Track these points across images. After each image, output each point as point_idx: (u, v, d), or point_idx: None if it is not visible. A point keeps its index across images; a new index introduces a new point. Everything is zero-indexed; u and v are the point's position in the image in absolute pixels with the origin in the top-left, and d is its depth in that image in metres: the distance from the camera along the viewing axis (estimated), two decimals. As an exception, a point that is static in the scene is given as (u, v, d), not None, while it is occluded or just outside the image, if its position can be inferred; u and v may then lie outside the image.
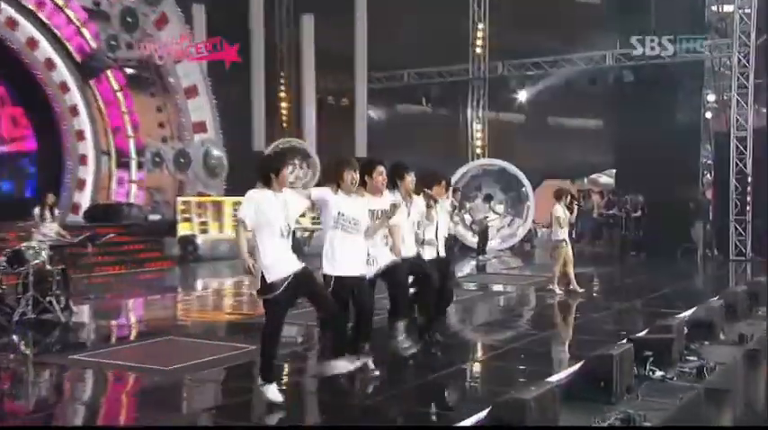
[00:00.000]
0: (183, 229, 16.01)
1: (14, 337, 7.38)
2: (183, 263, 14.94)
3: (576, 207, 10.57)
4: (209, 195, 17.39)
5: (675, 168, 17.01)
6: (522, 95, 19.47)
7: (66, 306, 8.11)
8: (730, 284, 13.34)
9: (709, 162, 17.84)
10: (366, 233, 5.45)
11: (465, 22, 19.82)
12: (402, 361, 5.74)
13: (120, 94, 17.47)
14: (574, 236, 19.78)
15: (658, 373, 5.93)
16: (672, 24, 17.13)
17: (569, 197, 10.49)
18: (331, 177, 5.39)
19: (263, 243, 4.92)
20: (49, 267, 8.09)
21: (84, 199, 16.93)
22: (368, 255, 5.51)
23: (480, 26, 19.60)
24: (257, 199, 4.95)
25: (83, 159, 17.07)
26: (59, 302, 8.00)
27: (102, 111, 17.35)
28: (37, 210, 10.51)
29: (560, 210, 10.19)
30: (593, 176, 22.15)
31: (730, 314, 8.19)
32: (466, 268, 14.67)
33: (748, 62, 16.23)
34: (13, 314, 7.74)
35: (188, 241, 15.84)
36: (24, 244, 8.43)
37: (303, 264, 5.02)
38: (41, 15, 16.04)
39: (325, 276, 5.32)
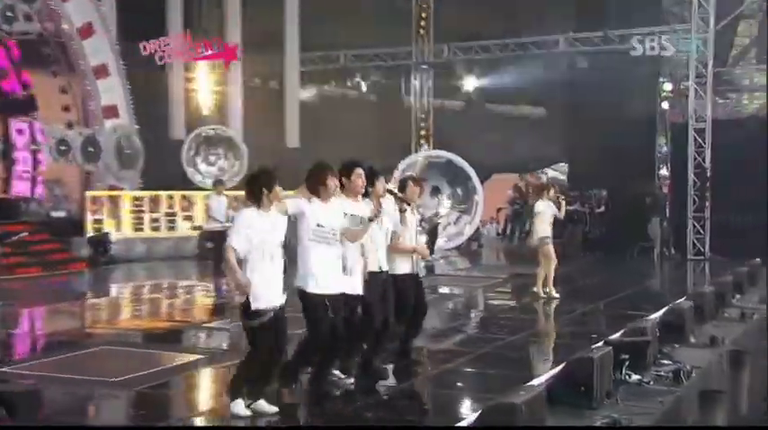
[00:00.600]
0: (93, 228, 15.84)
1: None
2: (94, 265, 14.78)
3: (563, 202, 10.84)
4: (122, 189, 17.22)
5: (631, 161, 17.88)
6: (470, 81, 19.95)
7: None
8: (688, 285, 14.24)
9: (666, 154, 18.79)
10: (346, 236, 5.66)
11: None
12: (376, 370, 6.03)
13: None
14: (526, 233, 20.64)
15: (635, 377, 6.38)
16: (627, 10, 17.96)
17: (554, 191, 10.77)
18: (312, 185, 5.54)
19: (251, 267, 5.08)
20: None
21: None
22: (344, 265, 5.71)
23: (425, 5, 19.95)
24: (249, 221, 5.10)
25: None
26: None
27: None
28: None
29: (542, 206, 10.44)
30: (546, 170, 22.89)
31: (698, 315, 8.79)
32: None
33: (707, 50, 17.16)
34: None
35: (99, 241, 15.66)
36: None
37: (284, 300, 5.22)
38: None
39: (304, 293, 5.48)
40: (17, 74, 16.42)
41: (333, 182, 5.57)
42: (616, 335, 7.06)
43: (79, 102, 17.65)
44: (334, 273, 5.54)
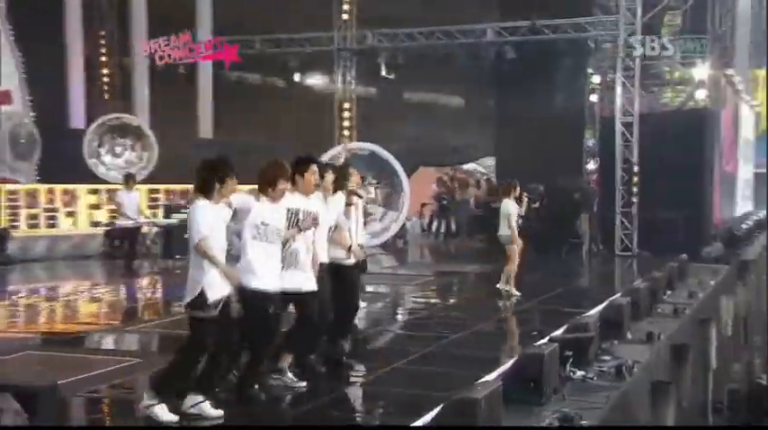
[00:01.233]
0: (-14, 225, 15.52)
1: None
2: (-10, 265, 14.52)
3: (525, 200, 11.43)
4: (16, 182, 16.88)
5: (559, 156, 18.68)
6: (394, 70, 20.34)
7: None
8: (617, 281, 15.09)
9: (594, 148, 19.71)
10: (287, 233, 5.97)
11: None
12: (318, 371, 6.36)
13: None
14: (453, 230, 21.31)
15: (579, 373, 6.93)
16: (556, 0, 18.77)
17: (518, 190, 11.30)
18: (262, 185, 5.80)
19: (203, 260, 5.32)
20: None
21: None
22: (296, 260, 6.05)
23: (346, -11, 20.23)
24: (203, 213, 5.32)
25: None
26: None
27: None
28: None
29: (511, 206, 11.04)
30: (473, 164, 23.58)
31: (634, 312, 9.47)
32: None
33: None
34: None
35: (-4, 239, 15.36)
36: None
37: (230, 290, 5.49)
38: None
39: (243, 288, 5.69)
40: None
41: (283, 185, 5.84)
42: (559, 332, 7.60)
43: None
44: (273, 271, 5.83)
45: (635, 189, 17.77)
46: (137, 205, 14.11)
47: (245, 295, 5.74)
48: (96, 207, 17.04)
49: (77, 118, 19.20)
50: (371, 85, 21.59)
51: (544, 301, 11.10)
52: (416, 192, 19.93)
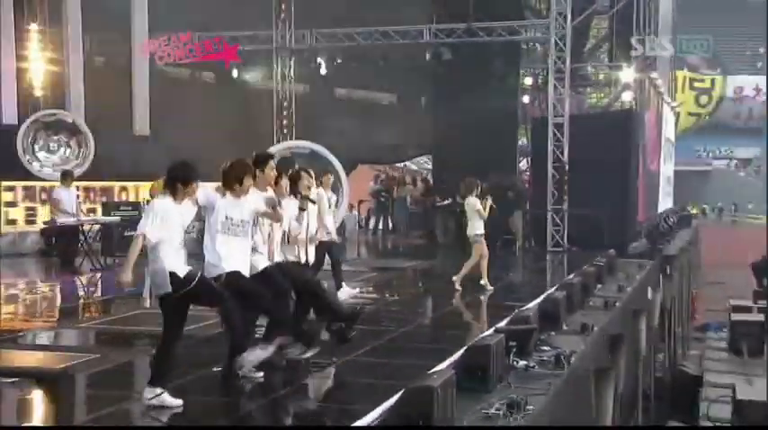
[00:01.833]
0: None
1: None
2: None
3: (489, 199, 11.84)
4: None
5: (493, 154, 19.26)
6: (333, 69, 20.62)
7: None
8: (549, 276, 15.70)
9: (526, 148, 20.38)
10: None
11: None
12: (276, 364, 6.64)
13: None
14: (390, 227, 21.70)
15: (522, 363, 7.37)
16: (490, 3, 19.31)
17: (480, 188, 11.73)
18: (228, 181, 6.13)
19: (164, 254, 5.60)
20: None
21: None
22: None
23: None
24: (161, 211, 5.62)
25: None
26: None
27: None
28: None
29: (478, 203, 11.46)
30: (408, 162, 24.06)
31: (569, 305, 9.99)
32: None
33: (565, 45, 18.77)
34: None
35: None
36: None
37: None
38: None
39: (217, 277, 6.05)
40: None
41: (249, 181, 6.18)
42: (502, 324, 8.03)
43: None
44: (241, 262, 6.22)
45: (565, 187, 18.44)
46: (75, 202, 14.06)
47: (220, 280, 6.04)
48: (12, 204, 16.82)
49: (9, 114, 18.85)
50: (310, 84, 21.80)
51: (484, 295, 11.56)
52: (355, 189, 20.26)
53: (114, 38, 20.73)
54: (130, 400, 5.87)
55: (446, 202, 19.29)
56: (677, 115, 37.22)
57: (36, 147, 18.26)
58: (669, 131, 31.82)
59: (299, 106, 20.90)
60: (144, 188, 17.28)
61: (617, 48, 21.07)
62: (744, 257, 23.38)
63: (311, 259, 7.72)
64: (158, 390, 5.57)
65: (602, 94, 24.47)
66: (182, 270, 5.65)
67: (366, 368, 7.03)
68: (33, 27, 19.49)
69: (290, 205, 7.13)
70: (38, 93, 20.61)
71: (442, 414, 5.30)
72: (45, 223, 15.57)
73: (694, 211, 44.60)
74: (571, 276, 11.95)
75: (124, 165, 18.93)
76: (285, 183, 7.09)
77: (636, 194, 20.22)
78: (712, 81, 71.84)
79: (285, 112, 20.61)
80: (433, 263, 16.12)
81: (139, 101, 20.22)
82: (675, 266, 15.73)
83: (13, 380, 5.52)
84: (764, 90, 70.29)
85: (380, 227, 20.99)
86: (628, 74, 20.15)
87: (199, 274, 5.77)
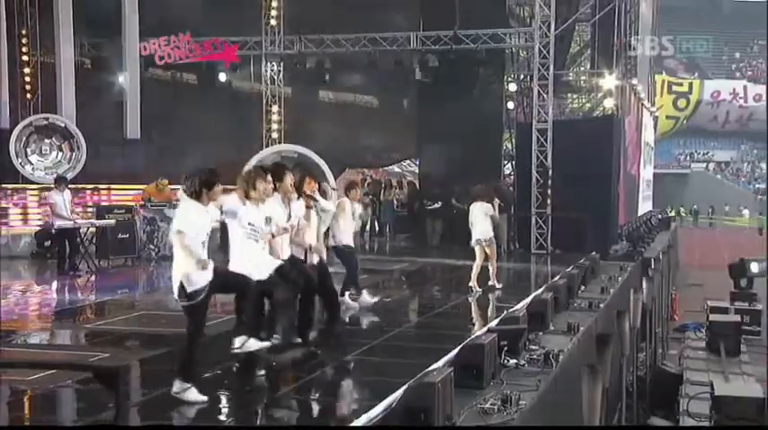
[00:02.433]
0: None
1: None
2: None
3: (496, 204, 12.28)
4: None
5: (479, 159, 19.67)
6: (322, 75, 20.91)
7: None
8: (533, 279, 16.07)
9: (511, 152, 20.77)
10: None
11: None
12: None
13: None
14: (377, 229, 22.02)
15: (512, 361, 7.72)
16: (474, 10, 19.70)
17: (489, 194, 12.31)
18: (244, 187, 6.53)
19: (179, 254, 5.98)
20: None
21: None
22: None
23: (275, -4, 20.68)
24: (189, 212, 6.03)
25: None
26: None
27: None
28: None
29: (491, 209, 12.04)
30: (395, 167, 24.39)
31: (555, 305, 10.37)
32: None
33: (548, 53, 19.19)
34: None
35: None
36: None
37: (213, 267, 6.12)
38: None
39: (237, 275, 6.47)
40: None
41: (262, 185, 6.56)
42: (494, 324, 8.38)
43: None
44: (262, 264, 6.66)
45: (549, 191, 18.85)
46: (69, 205, 14.31)
47: (241, 280, 6.42)
48: (4, 207, 16.98)
49: (2, 118, 18.98)
50: (298, 89, 22.08)
51: (472, 297, 11.92)
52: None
53: (105, 42, 20.89)
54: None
55: (436, 206, 19.67)
56: (656, 119, 37.85)
57: (28, 150, 18.44)
58: (649, 136, 32.39)
59: (287, 110, 21.17)
60: (133, 191, 17.59)
61: (599, 55, 21.51)
62: (720, 259, 23.97)
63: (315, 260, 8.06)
64: (187, 385, 5.93)
65: (585, 99, 24.93)
66: (196, 280, 5.97)
67: (367, 366, 7.37)
68: (24, 32, 19.70)
69: (298, 204, 7.51)
70: (29, 96, 20.81)
71: (441, 408, 5.65)
72: (40, 226, 15.77)
73: (672, 214, 45.34)
74: (556, 278, 12.33)
75: (115, 167, 19.15)
76: (289, 181, 7.39)
77: (616, 198, 20.66)
78: (690, 85, 72.81)
79: (274, 116, 20.87)
80: (422, 264, 16.47)
81: (131, 105, 20.37)
82: (656, 268, 16.13)
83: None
84: (741, 94, 71.42)
85: (367, 229, 21.29)
86: (609, 81, 20.58)
87: (204, 292, 6.03)
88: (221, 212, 6.45)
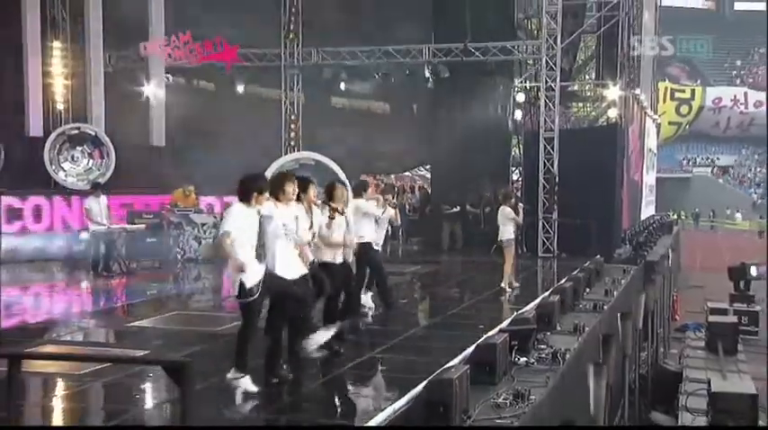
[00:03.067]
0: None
1: None
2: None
3: (521, 208, 12.79)
4: (-20, 189, 17.18)
5: (488, 166, 20.09)
6: (338, 86, 21.36)
7: None
8: (540, 282, 16.41)
9: (518, 160, 21.14)
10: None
11: (276, 2, 21.25)
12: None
13: None
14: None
15: (522, 359, 8.11)
16: (484, 24, 20.10)
17: (513, 199, 12.94)
18: (274, 190, 6.86)
19: (240, 255, 6.36)
20: None
21: None
22: None
23: (293, 9, 21.13)
24: (240, 214, 6.43)
25: None
26: None
27: None
28: None
29: (512, 212, 12.55)
30: (409, 173, 24.77)
31: (562, 307, 10.75)
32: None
33: (555, 65, 19.56)
34: None
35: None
36: None
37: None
38: None
39: (272, 274, 6.80)
40: None
41: (291, 187, 6.97)
42: (505, 324, 8.77)
43: None
44: (293, 263, 6.98)
45: (555, 197, 19.19)
46: (105, 211, 14.77)
47: (272, 280, 6.74)
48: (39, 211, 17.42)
49: (35, 127, 19.46)
50: (316, 99, 22.52)
51: (484, 298, 12.31)
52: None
53: (133, 54, 21.36)
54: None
55: (454, 210, 20.04)
56: (658, 126, 38.11)
57: (61, 158, 18.93)
58: (651, 142, 32.69)
59: (306, 119, 21.61)
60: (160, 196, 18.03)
61: (603, 66, 21.84)
62: (720, 261, 24.23)
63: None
64: (240, 374, 6.39)
65: (590, 109, 25.27)
66: (253, 276, 6.40)
67: (387, 364, 7.77)
68: (57, 44, 20.16)
69: (319, 214, 7.89)
70: (61, 106, 21.30)
71: (459, 402, 6.04)
72: (78, 231, 16.25)
73: (674, 217, 45.54)
74: (563, 281, 12.70)
75: (142, 175, 19.59)
76: (313, 192, 7.76)
77: (620, 203, 20.98)
78: (692, 91, 72.90)
79: (292, 125, 21.33)
80: (437, 267, 16.87)
81: (156, 113, 20.83)
82: (658, 271, 16.48)
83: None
84: (742, 101, 71.43)
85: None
86: (613, 91, 20.92)
87: (259, 288, 6.47)
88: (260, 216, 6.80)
